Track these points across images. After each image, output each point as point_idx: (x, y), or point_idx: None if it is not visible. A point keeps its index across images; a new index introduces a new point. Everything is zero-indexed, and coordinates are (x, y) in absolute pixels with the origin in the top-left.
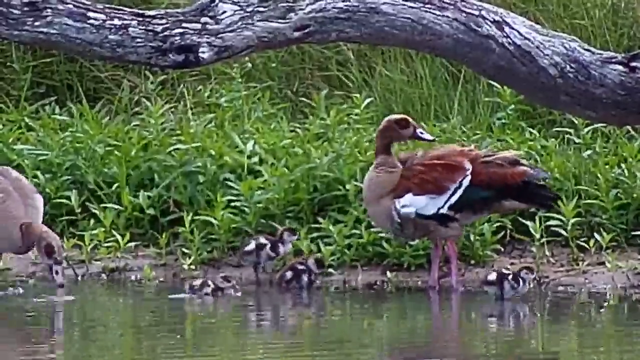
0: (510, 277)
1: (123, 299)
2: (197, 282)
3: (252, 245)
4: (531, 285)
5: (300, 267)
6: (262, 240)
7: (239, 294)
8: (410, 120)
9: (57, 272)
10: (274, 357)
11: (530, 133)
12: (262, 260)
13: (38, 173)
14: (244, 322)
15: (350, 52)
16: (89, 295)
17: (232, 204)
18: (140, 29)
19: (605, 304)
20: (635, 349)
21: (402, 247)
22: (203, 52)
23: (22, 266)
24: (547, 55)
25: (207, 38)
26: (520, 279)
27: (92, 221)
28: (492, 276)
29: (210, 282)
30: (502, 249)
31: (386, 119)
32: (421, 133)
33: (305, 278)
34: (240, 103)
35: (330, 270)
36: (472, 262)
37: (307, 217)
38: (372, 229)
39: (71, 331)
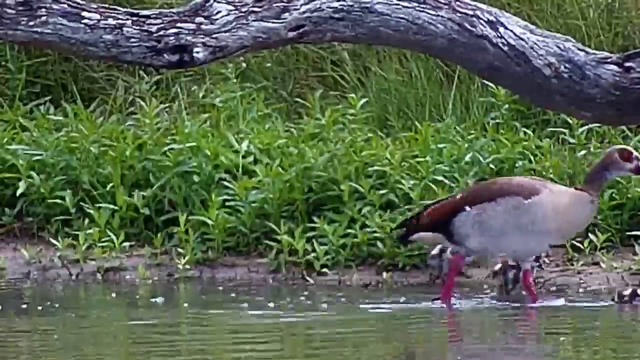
0: None
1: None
2: (627, 292)
3: (436, 250)
4: None
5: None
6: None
7: None
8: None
9: None
10: None
11: (525, 133)
12: (444, 264)
13: (32, 173)
14: None
15: (345, 52)
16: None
17: (227, 203)
18: (134, 29)
19: None
20: None
21: (396, 248)
22: (197, 52)
23: (17, 266)
24: (542, 55)
25: (202, 38)
26: None
27: (86, 221)
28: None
29: None
30: None
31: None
32: None
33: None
34: (235, 103)
35: (325, 270)
36: None
37: (301, 216)
38: (366, 229)
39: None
